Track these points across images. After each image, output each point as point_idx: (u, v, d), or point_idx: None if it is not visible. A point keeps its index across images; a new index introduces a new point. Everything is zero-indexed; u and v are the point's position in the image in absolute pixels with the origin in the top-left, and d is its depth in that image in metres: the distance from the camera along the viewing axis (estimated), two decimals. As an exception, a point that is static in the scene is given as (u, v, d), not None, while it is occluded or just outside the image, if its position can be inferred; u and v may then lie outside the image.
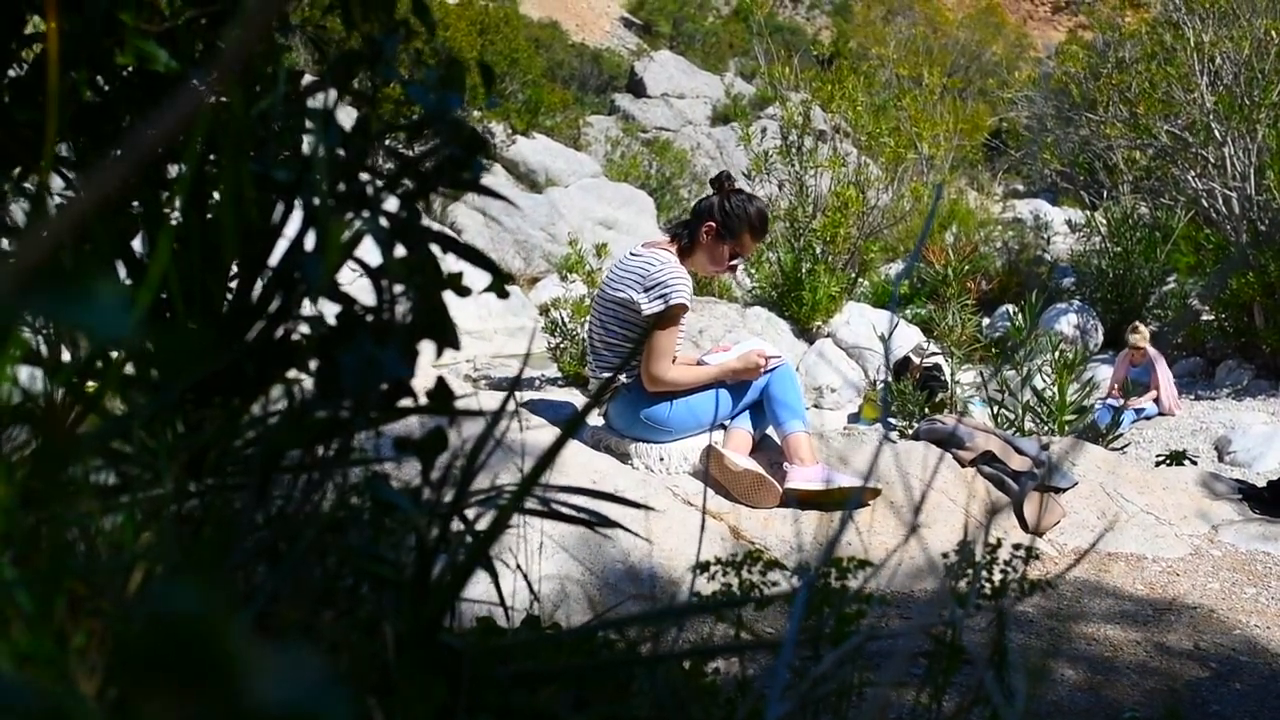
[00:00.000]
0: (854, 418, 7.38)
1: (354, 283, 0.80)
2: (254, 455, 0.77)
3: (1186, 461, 5.35)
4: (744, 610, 1.08)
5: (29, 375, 0.79)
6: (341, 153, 0.78)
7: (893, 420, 5.52)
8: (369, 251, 0.78)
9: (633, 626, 0.83)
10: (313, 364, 0.79)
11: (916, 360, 7.31)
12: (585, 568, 2.55)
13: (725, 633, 1.80)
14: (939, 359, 7.06)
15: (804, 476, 3.14)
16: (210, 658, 0.22)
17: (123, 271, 0.84)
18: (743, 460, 3.19)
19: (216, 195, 0.81)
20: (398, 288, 0.77)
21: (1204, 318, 9.08)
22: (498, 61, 13.24)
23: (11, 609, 0.49)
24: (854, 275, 9.16)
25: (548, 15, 23.69)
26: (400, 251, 0.76)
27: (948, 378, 6.24)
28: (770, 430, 3.40)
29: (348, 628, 0.66)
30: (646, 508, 0.83)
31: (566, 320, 6.68)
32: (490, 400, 0.83)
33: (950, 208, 13.82)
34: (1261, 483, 4.03)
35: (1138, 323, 8.22)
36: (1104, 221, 10.80)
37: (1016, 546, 1.14)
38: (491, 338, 8.44)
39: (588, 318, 4.09)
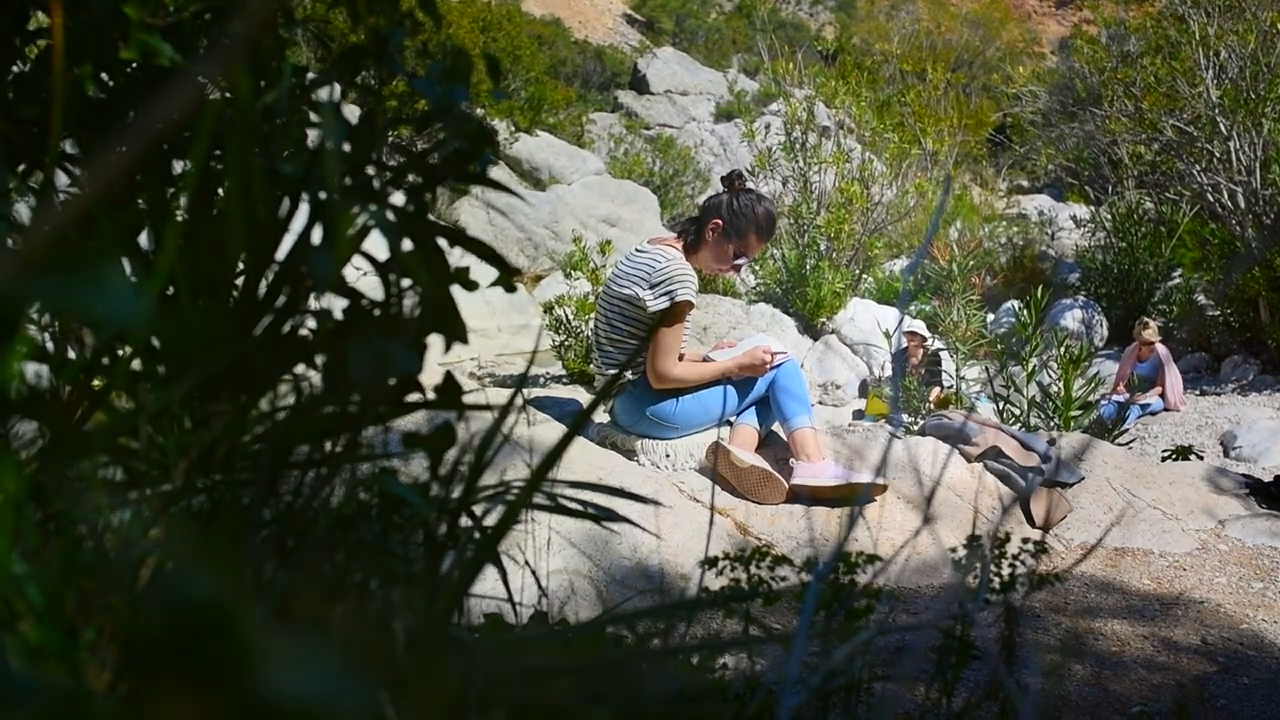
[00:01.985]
0: (859, 414, 7.37)
1: (359, 281, 0.80)
2: (262, 450, 0.77)
3: (1192, 457, 5.34)
4: (752, 606, 1.08)
5: (35, 373, 0.79)
6: (347, 147, 0.78)
7: (899, 416, 5.52)
8: (375, 247, 0.78)
9: (641, 621, 0.83)
10: (320, 359, 0.79)
11: (919, 334, 7.29)
12: (593, 563, 2.55)
13: (734, 629, 1.80)
14: (925, 331, 7.08)
15: (811, 472, 3.14)
16: (226, 648, 0.21)
17: (129, 268, 0.83)
18: (749, 456, 3.18)
19: (222, 191, 0.81)
20: (405, 282, 0.76)
21: (1209, 313, 9.07)
22: (500, 59, 13.21)
23: (21, 604, 0.49)
24: (858, 271, 9.16)
25: (550, 12, 23.68)
26: (407, 245, 0.76)
27: (945, 360, 6.26)
28: (776, 426, 3.40)
29: (358, 623, 0.66)
30: (654, 503, 0.82)
31: (571, 318, 6.67)
32: (496, 397, 0.83)
33: (955, 203, 13.82)
34: (1268, 477, 4.01)
35: (1146, 318, 8.21)
36: (1109, 217, 10.80)
37: (1025, 541, 1.13)
38: (496, 336, 8.44)
39: (593, 315, 4.08)
